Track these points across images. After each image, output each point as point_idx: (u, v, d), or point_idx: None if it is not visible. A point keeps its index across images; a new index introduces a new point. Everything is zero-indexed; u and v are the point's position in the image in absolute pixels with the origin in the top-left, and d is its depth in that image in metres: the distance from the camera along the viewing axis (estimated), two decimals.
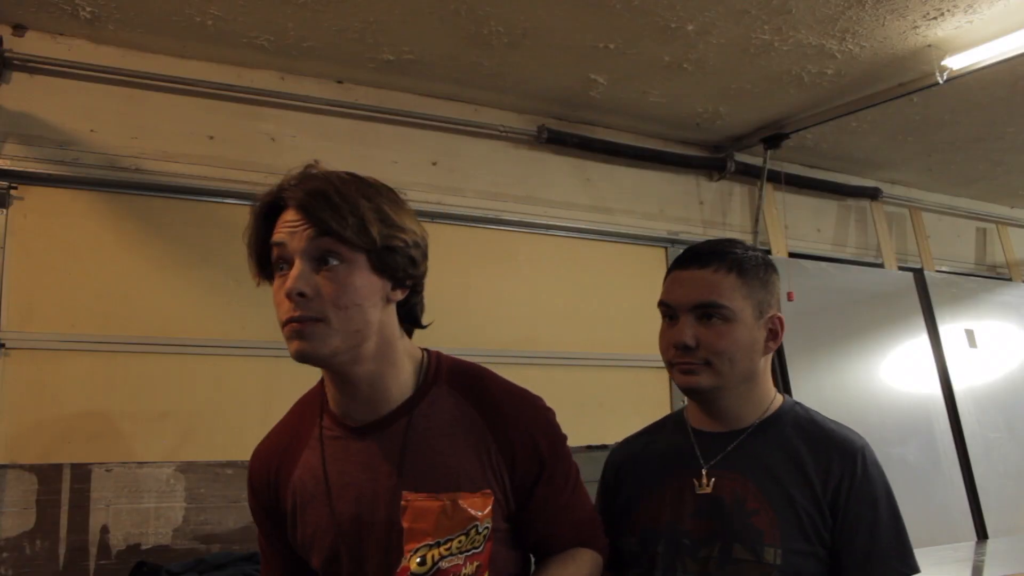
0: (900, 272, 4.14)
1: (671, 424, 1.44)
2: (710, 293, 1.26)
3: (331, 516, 1.13)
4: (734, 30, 2.59)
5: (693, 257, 1.31)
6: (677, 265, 1.33)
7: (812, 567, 1.21)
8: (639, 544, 1.33)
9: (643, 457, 1.42)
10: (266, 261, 1.09)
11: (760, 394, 1.33)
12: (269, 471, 1.21)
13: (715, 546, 1.24)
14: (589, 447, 2.99)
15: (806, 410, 1.36)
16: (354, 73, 2.89)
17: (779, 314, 1.31)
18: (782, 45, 2.70)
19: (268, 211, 1.08)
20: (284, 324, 1.05)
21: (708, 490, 1.29)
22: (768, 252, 3.71)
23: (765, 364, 1.33)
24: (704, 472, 1.31)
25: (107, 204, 2.59)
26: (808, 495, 1.23)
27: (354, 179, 1.10)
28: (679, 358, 1.29)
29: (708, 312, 1.26)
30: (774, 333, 1.31)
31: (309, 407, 1.22)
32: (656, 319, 1.37)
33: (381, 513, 1.12)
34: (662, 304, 1.33)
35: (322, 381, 1.20)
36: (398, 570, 1.04)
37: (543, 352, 3.21)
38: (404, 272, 1.11)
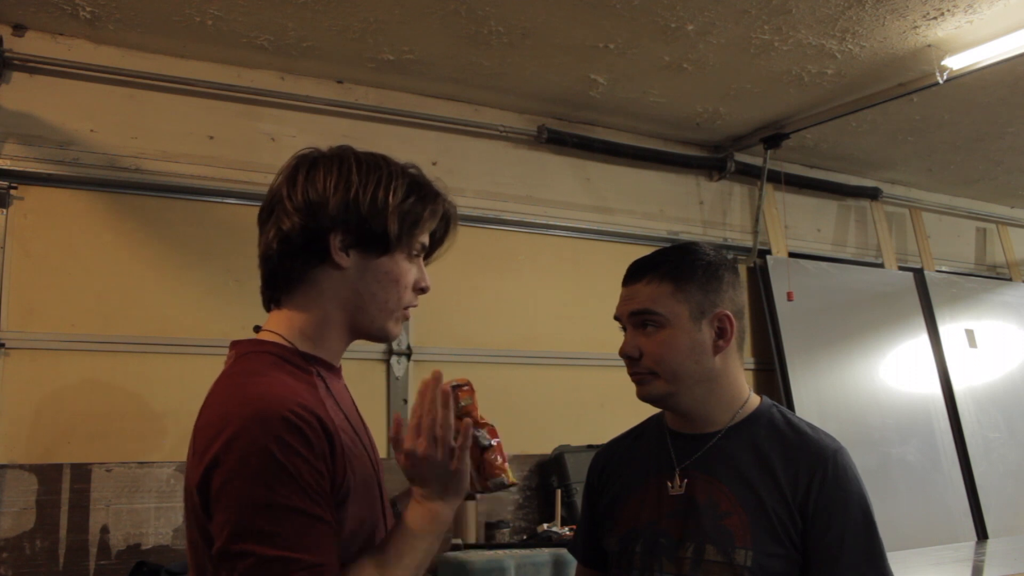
0: (900, 272, 4.14)
1: (653, 426, 1.46)
2: (642, 301, 1.31)
3: (367, 455, 1.15)
4: (734, 30, 2.59)
5: (631, 272, 1.36)
6: (623, 282, 1.37)
7: (783, 569, 1.22)
8: (620, 543, 1.35)
9: (626, 458, 1.44)
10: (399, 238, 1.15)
11: (728, 395, 1.34)
12: (318, 411, 1.03)
13: (689, 547, 1.26)
14: (590, 446, 2.99)
15: (783, 413, 1.35)
16: (354, 73, 2.89)
17: (726, 311, 1.30)
18: (782, 45, 2.70)
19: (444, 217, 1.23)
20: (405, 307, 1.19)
21: (680, 491, 1.30)
22: (768, 252, 3.71)
23: (725, 364, 1.32)
24: (677, 473, 1.32)
25: (107, 204, 2.59)
26: (778, 498, 1.24)
27: None
28: (629, 369, 1.34)
29: (644, 320, 1.31)
30: (723, 331, 1.30)
31: (286, 360, 1.11)
32: None
33: (368, 438, 1.20)
34: (616, 319, 1.38)
35: (271, 349, 1.13)
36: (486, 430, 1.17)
37: (543, 352, 3.21)
38: None
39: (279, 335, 1.13)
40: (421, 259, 1.21)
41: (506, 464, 1.19)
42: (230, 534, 0.94)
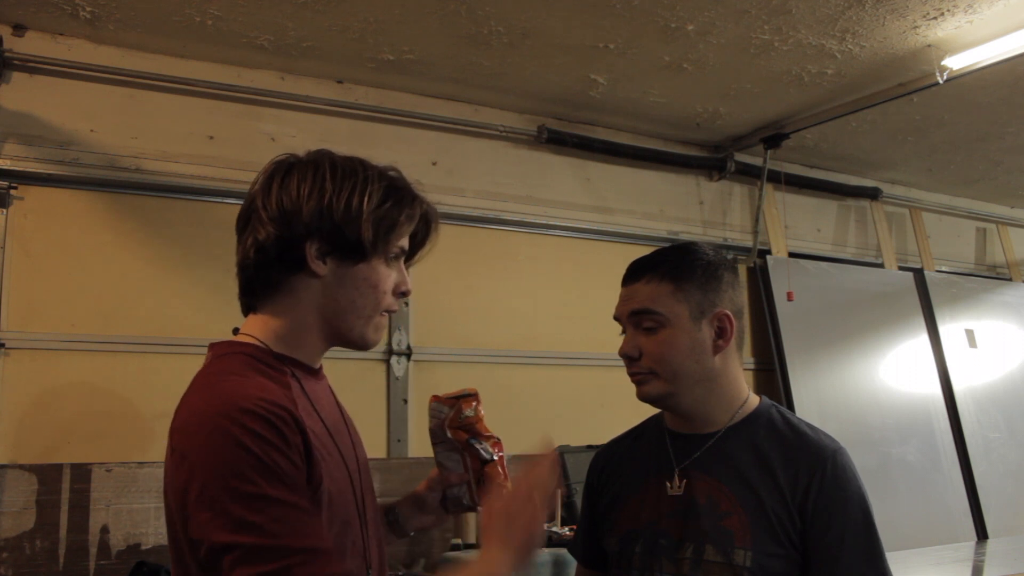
0: (900, 272, 4.14)
1: (653, 426, 1.46)
2: (641, 301, 1.31)
3: (341, 457, 1.12)
4: (734, 30, 2.59)
5: (630, 272, 1.36)
6: (622, 282, 1.37)
7: (783, 569, 1.22)
8: (619, 544, 1.35)
9: (626, 458, 1.45)
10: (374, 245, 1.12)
11: (728, 395, 1.34)
12: (293, 409, 1.02)
13: (689, 547, 1.26)
14: (590, 446, 2.99)
15: (783, 413, 1.36)
16: (354, 73, 2.89)
17: (726, 311, 1.30)
18: (782, 45, 2.70)
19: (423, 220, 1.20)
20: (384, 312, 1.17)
21: (679, 491, 1.31)
22: (768, 252, 3.72)
23: (725, 363, 1.32)
24: (676, 473, 1.32)
25: (107, 204, 2.59)
26: (778, 498, 1.24)
27: None
28: (629, 369, 1.34)
29: (643, 320, 1.30)
30: (723, 331, 1.30)
31: (258, 359, 1.11)
32: None
33: (349, 439, 1.18)
34: (615, 319, 1.38)
35: (246, 350, 1.14)
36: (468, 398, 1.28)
37: (543, 352, 3.21)
38: None
39: (254, 337, 1.13)
40: (401, 262, 1.18)
41: (507, 481, 1.21)
42: (214, 529, 0.93)
